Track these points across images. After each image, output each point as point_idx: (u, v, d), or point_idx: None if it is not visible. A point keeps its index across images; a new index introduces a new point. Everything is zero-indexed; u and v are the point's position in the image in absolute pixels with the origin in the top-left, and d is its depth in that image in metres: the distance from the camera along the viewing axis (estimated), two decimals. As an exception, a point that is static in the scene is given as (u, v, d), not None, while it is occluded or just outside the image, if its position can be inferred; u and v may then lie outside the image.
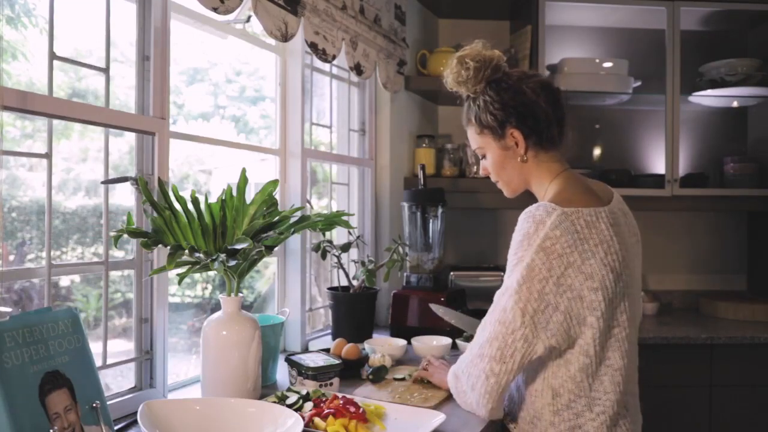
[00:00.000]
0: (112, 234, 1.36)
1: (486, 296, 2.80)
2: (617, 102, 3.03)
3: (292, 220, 1.58)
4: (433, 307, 1.94)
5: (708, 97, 2.97)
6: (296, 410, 1.35)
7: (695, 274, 3.20)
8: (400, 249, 2.23)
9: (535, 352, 1.25)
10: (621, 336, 1.28)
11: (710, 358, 2.49)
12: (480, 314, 2.81)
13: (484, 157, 1.45)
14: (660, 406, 2.49)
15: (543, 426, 1.31)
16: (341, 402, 1.36)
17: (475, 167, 2.83)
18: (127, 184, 1.51)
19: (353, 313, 2.16)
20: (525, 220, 1.27)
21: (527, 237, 1.24)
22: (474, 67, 1.36)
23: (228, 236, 1.49)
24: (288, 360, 1.65)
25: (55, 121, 1.33)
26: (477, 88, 1.39)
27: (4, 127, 1.20)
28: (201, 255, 1.39)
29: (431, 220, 2.43)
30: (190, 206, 1.45)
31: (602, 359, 1.27)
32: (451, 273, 2.80)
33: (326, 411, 1.32)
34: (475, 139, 1.45)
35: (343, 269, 2.21)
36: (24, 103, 1.20)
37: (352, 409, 1.33)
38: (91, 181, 1.71)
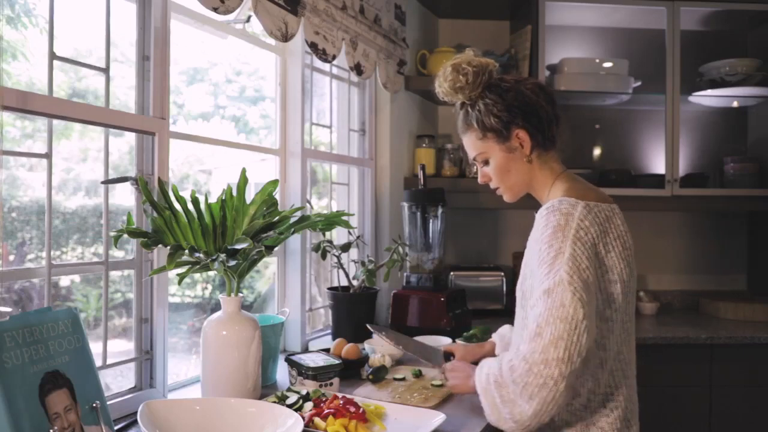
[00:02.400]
0: (112, 234, 1.37)
1: (486, 296, 2.81)
2: (617, 102, 3.03)
3: (292, 220, 1.58)
4: (372, 327, 1.85)
5: (708, 97, 2.97)
6: (296, 410, 1.35)
7: (695, 274, 3.20)
8: (400, 249, 2.23)
9: (591, 343, 1.21)
10: (631, 330, 1.32)
11: (710, 358, 2.49)
12: (480, 314, 2.80)
13: (485, 163, 1.44)
14: (660, 406, 2.49)
15: (556, 426, 1.31)
16: (341, 402, 1.36)
17: (476, 167, 2.83)
18: (127, 184, 1.51)
19: (353, 313, 2.16)
20: (551, 214, 1.26)
21: (560, 229, 1.23)
22: (473, 72, 1.37)
23: (228, 236, 1.49)
24: (288, 360, 1.65)
25: (55, 121, 1.33)
26: (474, 93, 1.39)
27: (4, 127, 1.20)
28: (201, 255, 1.39)
29: (431, 220, 2.43)
30: (190, 206, 1.45)
31: (617, 353, 1.29)
32: (451, 273, 2.81)
33: (326, 411, 1.32)
34: (475, 146, 1.43)
35: (343, 269, 2.21)
36: (24, 103, 1.20)
37: (352, 409, 1.33)
38: (91, 181, 1.71)
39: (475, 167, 2.80)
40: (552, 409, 1.17)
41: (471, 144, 1.44)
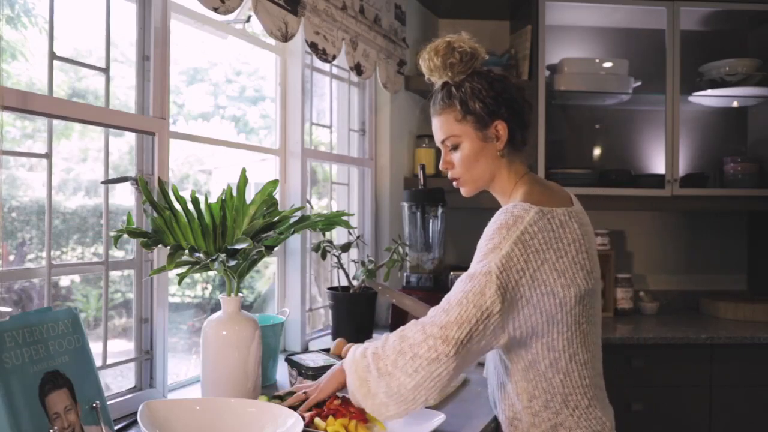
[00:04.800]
0: (112, 234, 1.36)
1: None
2: (617, 102, 3.03)
3: (292, 220, 1.58)
4: (370, 283, 1.80)
5: (708, 97, 2.97)
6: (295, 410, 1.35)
7: (695, 274, 3.20)
8: (400, 249, 2.23)
9: (498, 342, 1.23)
10: (589, 331, 1.30)
11: (710, 358, 2.49)
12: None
13: (455, 148, 1.39)
14: (660, 406, 2.49)
15: (524, 427, 1.31)
16: (341, 402, 1.36)
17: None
18: (127, 184, 1.51)
19: (353, 313, 2.16)
20: (502, 213, 1.27)
21: (505, 226, 1.23)
22: (468, 53, 1.34)
23: (228, 236, 1.49)
24: (288, 360, 1.65)
25: (55, 121, 1.33)
26: (461, 75, 1.36)
27: (4, 127, 1.20)
28: (201, 255, 1.39)
29: (431, 220, 2.43)
30: (190, 206, 1.45)
31: (572, 355, 1.28)
32: (451, 273, 2.80)
33: (326, 411, 1.32)
34: (450, 128, 1.38)
35: (343, 269, 2.21)
36: (24, 103, 1.20)
37: (352, 409, 1.33)
38: (91, 181, 1.71)
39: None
40: (432, 388, 1.16)
41: (445, 125, 1.38)
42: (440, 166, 1.43)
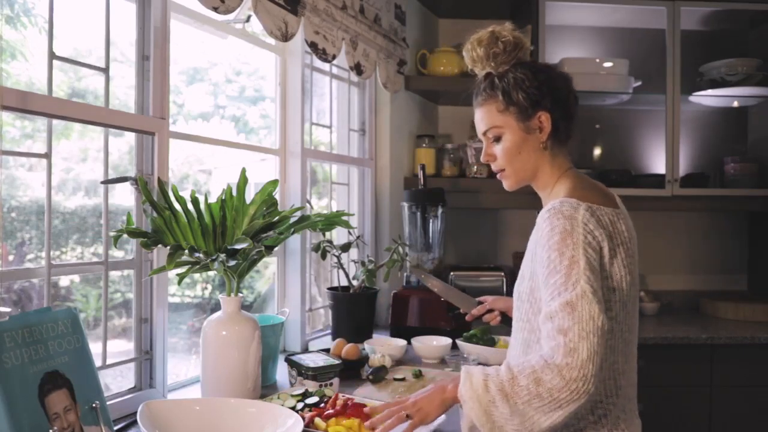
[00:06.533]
0: (111, 234, 1.36)
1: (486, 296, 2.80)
2: (617, 102, 3.03)
3: (292, 220, 1.58)
4: (414, 270, 1.82)
5: (708, 97, 2.96)
6: (314, 407, 1.36)
7: (695, 274, 3.20)
8: (400, 249, 2.23)
9: None
10: (629, 340, 1.27)
11: (710, 358, 2.49)
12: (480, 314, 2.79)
13: (497, 140, 1.35)
14: (660, 406, 2.49)
15: None
16: (348, 403, 1.35)
17: (476, 167, 2.82)
18: (127, 184, 1.51)
19: (353, 313, 2.16)
20: (554, 217, 1.21)
21: (568, 235, 1.17)
22: (512, 42, 1.32)
23: (228, 236, 1.49)
24: (288, 360, 1.65)
25: (55, 121, 1.33)
26: (505, 66, 1.33)
27: (4, 127, 1.19)
28: (201, 255, 1.39)
29: (431, 220, 2.43)
30: (190, 206, 1.45)
31: (611, 363, 1.24)
32: (451, 273, 2.80)
33: (327, 412, 1.32)
34: (492, 119, 1.34)
35: (343, 269, 2.21)
36: (24, 103, 1.20)
37: (352, 408, 1.33)
38: (90, 181, 1.70)
39: (475, 166, 2.79)
40: (564, 421, 1.11)
41: (488, 116, 1.35)
42: (482, 159, 1.40)
